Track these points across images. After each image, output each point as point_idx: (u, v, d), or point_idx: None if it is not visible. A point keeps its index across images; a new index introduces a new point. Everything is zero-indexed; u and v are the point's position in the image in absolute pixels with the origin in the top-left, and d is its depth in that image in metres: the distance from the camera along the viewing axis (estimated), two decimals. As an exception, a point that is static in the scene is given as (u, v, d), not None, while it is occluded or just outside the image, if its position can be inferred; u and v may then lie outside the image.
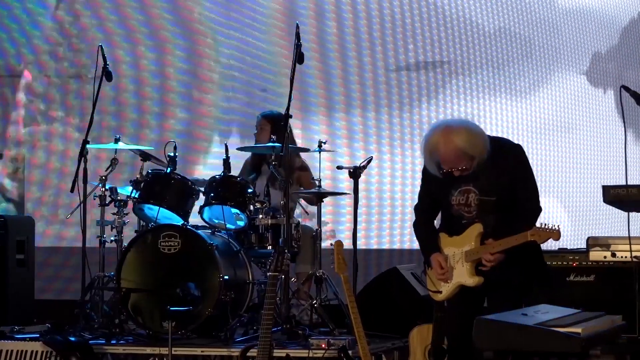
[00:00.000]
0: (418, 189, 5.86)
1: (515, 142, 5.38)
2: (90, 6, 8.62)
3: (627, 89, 5.32)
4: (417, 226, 5.51)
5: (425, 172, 5.40)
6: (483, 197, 5.23)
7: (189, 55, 8.50)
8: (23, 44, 8.70)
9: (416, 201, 5.66)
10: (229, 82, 8.44)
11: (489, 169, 5.23)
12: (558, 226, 5.13)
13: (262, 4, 8.33)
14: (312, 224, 7.09)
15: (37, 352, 6.22)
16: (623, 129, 5.43)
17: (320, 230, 6.90)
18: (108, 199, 6.79)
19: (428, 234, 5.44)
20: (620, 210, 6.36)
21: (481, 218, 5.25)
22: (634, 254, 5.90)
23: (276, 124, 6.90)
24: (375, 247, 7.95)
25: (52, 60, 8.61)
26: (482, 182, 5.24)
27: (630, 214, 5.82)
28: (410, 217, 7.82)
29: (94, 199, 6.81)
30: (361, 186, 6.93)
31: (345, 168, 6.88)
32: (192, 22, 8.49)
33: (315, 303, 6.69)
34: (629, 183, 5.72)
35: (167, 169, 6.74)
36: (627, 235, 5.81)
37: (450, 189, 5.27)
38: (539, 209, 5.30)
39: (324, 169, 7.06)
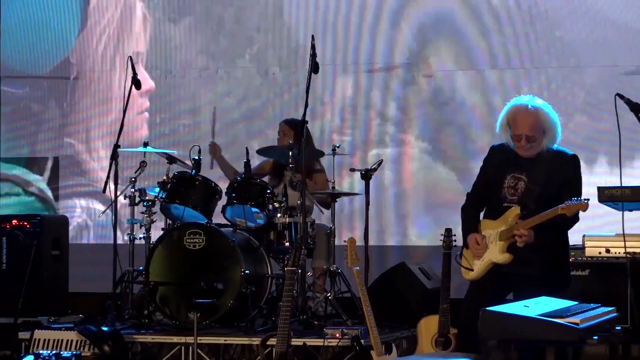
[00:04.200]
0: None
1: None
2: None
3: (621, 96, 5.29)
4: (464, 210, 5.61)
5: (487, 159, 5.58)
6: (530, 185, 5.36)
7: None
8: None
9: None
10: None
11: (545, 165, 5.38)
12: (587, 199, 5.23)
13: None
14: (327, 221, 7.07)
15: (72, 340, 6.20)
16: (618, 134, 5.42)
17: (334, 228, 6.89)
18: (137, 199, 6.80)
19: (471, 218, 5.55)
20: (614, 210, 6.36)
21: (523, 203, 5.35)
22: (627, 250, 5.90)
23: (297, 129, 6.91)
24: (385, 243, 7.86)
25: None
26: (534, 174, 5.37)
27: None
28: (415, 216, 7.93)
29: (124, 199, 6.85)
30: (373, 186, 6.95)
31: (358, 170, 6.90)
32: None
33: (330, 295, 6.70)
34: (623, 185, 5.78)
35: (192, 171, 6.74)
36: (620, 232, 5.84)
37: (506, 173, 5.42)
38: (577, 218, 5.36)
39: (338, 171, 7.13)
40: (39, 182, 8.66)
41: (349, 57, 8.14)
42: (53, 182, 8.66)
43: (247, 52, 8.26)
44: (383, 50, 8.08)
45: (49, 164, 8.67)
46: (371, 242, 6.88)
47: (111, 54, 8.55)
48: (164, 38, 8.43)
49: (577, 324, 4.22)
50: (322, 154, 7.11)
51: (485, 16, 7.89)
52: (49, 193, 8.66)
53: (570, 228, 5.48)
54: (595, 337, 5.32)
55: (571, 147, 5.50)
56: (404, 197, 8.03)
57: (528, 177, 5.39)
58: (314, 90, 7.54)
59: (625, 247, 5.81)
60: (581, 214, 5.45)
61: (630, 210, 6.14)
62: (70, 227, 8.04)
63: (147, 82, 8.39)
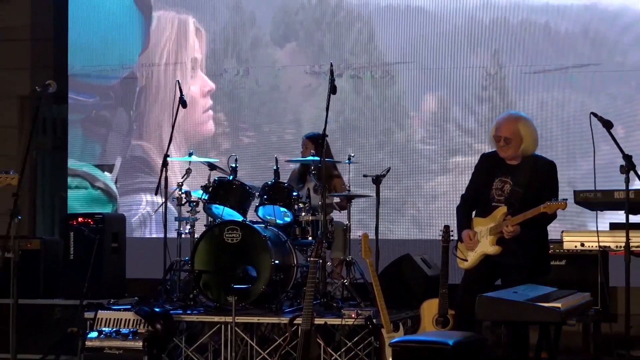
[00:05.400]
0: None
1: None
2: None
3: (595, 115, 5.25)
4: (459, 209, 5.65)
5: (478, 165, 5.62)
6: (515, 187, 5.39)
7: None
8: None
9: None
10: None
11: (527, 171, 5.41)
12: (565, 199, 5.29)
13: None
14: (343, 219, 7.03)
15: (129, 320, 6.19)
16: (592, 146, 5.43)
17: (350, 224, 6.86)
18: (184, 200, 6.80)
19: (465, 216, 5.59)
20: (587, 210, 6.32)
21: (508, 203, 5.39)
22: (596, 245, 5.89)
23: (316, 142, 6.85)
24: (393, 237, 7.71)
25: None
26: (518, 178, 5.41)
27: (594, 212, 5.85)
28: (419, 215, 7.89)
29: (173, 200, 6.86)
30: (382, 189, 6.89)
31: (369, 176, 6.84)
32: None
33: (346, 282, 6.68)
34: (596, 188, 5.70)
35: (229, 177, 6.74)
36: (593, 229, 5.86)
37: (494, 177, 5.46)
38: (555, 216, 5.42)
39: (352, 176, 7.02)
40: (106, 178, 8.55)
41: (433, 78, 7.89)
42: (119, 179, 8.53)
43: (345, 72, 8.08)
44: (461, 73, 7.83)
45: (117, 162, 8.56)
46: (381, 236, 6.82)
47: (172, 65, 8.42)
48: (271, 59, 8.30)
49: (559, 308, 4.26)
50: (338, 162, 7.09)
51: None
52: (114, 188, 8.54)
53: (549, 224, 5.51)
54: (574, 318, 5.41)
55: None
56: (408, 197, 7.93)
57: (513, 181, 5.43)
58: (403, 105, 7.54)
59: (598, 241, 5.81)
60: (559, 213, 5.53)
61: (602, 210, 6.07)
62: (133, 220, 8.06)
63: (207, 84, 8.30)
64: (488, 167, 5.59)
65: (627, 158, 5.27)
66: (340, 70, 7.99)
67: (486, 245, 5.46)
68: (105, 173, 8.59)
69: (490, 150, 5.69)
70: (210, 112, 8.39)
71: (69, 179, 8.63)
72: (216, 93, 8.37)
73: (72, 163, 8.64)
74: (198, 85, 8.40)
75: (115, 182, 8.57)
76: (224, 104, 8.36)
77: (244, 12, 8.34)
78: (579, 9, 7.56)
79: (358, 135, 8.02)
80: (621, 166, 5.29)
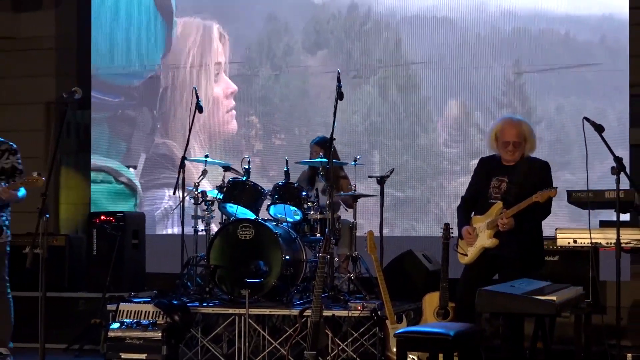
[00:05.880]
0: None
1: None
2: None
3: (588, 119, 5.25)
4: (459, 209, 5.69)
5: (477, 169, 5.63)
6: (511, 185, 5.42)
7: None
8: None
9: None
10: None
11: (522, 170, 5.43)
12: (556, 187, 5.29)
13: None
14: (350, 217, 7.00)
15: (149, 311, 6.21)
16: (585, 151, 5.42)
17: (356, 222, 6.85)
18: (200, 199, 6.79)
19: (464, 215, 5.63)
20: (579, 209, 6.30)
21: (504, 199, 5.41)
22: (588, 241, 5.88)
23: (323, 145, 6.86)
24: (396, 234, 7.70)
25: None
26: (514, 177, 5.43)
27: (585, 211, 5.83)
28: (421, 214, 7.87)
29: (190, 199, 6.85)
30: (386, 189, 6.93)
31: (374, 177, 6.90)
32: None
33: (352, 276, 6.67)
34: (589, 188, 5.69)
35: (243, 178, 6.73)
36: (584, 227, 5.77)
37: (492, 176, 5.49)
38: (549, 211, 5.44)
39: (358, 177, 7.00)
40: (130, 174, 8.53)
41: (456, 84, 7.86)
42: (143, 175, 8.49)
43: (372, 78, 8.07)
44: (483, 79, 7.82)
45: (142, 159, 8.54)
46: (385, 234, 6.86)
47: (197, 67, 8.39)
48: (302, 65, 8.24)
49: (554, 300, 4.27)
50: (344, 163, 7.06)
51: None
52: (137, 183, 8.49)
53: (544, 218, 5.50)
54: (568, 310, 5.40)
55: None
56: (411, 197, 7.88)
57: (509, 179, 5.47)
58: (427, 109, 7.55)
59: (590, 238, 5.81)
60: (553, 211, 5.54)
61: (593, 209, 6.09)
62: (156, 213, 8.01)
63: (230, 86, 8.29)
64: (486, 169, 5.64)
65: (618, 160, 5.29)
66: (367, 76, 8.02)
67: (484, 239, 5.50)
68: (130, 169, 8.57)
69: (487, 155, 5.74)
70: (233, 112, 8.37)
71: (94, 174, 8.61)
72: (249, 97, 8.35)
73: (97, 159, 8.63)
74: (221, 87, 8.39)
75: (139, 178, 8.55)
76: (257, 107, 8.36)
77: (277, 21, 8.33)
78: (597, 18, 7.55)
79: (384, 137, 8.01)
80: (612, 168, 5.31)
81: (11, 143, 6.13)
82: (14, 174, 6.02)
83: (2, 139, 6.15)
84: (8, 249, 6.05)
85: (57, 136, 4.94)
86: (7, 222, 6.10)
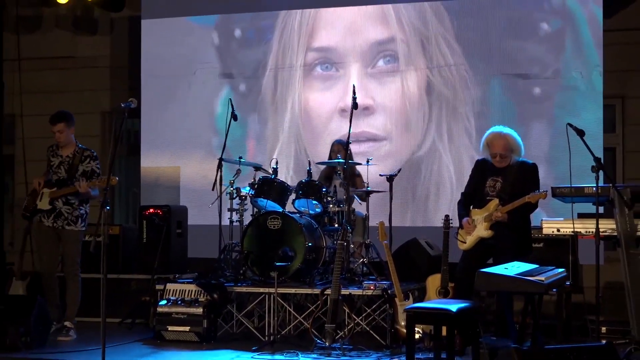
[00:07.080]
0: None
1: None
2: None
3: (571, 125, 5.23)
4: (459, 203, 5.69)
5: (474, 169, 5.62)
6: (505, 185, 5.44)
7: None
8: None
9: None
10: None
11: (514, 171, 5.45)
12: (545, 191, 5.30)
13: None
14: (363, 210, 6.96)
15: (191, 290, 6.22)
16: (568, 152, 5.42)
17: (369, 214, 6.84)
18: (234, 195, 6.76)
19: (464, 208, 5.64)
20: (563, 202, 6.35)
21: (499, 196, 5.43)
22: (569, 230, 5.83)
23: (343, 147, 6.75)
24: (404, 224, 7.56)
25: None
26: (507, 177, 5.45)
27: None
28: (425, 208, 7.72)
29: (226, 195, 6.78)
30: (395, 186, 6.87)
31: (384, 175, 6.87)
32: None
33: (366, 260, 6.65)
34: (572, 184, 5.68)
35: (272, 176, 6.71)
36: (567, 218, 5.81)
37: (487, 177, 5.51)
38: (536, 207, 5.45)
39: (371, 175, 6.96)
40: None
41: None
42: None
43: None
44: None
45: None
46: (394, 224, 6.82)
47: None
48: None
49: (543, 281, 4.31)
50: (359, 163, 7.00)
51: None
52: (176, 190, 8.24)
53: (532, 213, 5.54)
54: (555, 290, 5.42)
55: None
56: (416, 193, 7.72)
57: (502, 179, 5.50)
58: (456, 115, 7.46)
59: (573, 227, 5.80)
60: (540, 204, 5.55)
61: (574, 202, 6.14)
62: (189, 213, 7.87)
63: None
64: (482, 169, 5.67)
65: (597, 160, 5.31)
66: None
67: (481, 230, 5.52)
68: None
69: (482, 157, 5.77)
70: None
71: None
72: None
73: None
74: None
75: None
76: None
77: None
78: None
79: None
80: (592, 166, 5.33)
81: (92, 150, 6.38)
82: (92, 176, 6.28)
83: (85, 147, 6.37)
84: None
85: (117, 139, 5.00)
86: (85, 214, 6.29)
